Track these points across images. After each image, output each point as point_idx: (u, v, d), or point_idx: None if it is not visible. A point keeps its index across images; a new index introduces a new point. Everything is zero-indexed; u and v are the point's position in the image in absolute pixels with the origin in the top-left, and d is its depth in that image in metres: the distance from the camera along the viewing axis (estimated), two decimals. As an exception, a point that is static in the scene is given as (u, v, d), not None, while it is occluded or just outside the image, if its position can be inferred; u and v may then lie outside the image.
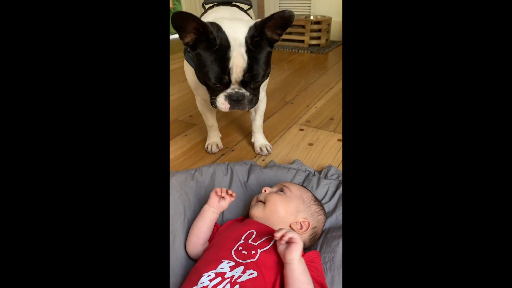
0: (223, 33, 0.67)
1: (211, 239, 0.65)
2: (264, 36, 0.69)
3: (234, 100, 0.73)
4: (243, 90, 0.73)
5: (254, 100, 0.76)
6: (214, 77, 0.69)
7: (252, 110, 1.05)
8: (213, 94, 0.74)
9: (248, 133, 1.19)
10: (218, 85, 0.71)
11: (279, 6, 2.94)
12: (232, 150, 1.12)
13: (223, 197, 0.67)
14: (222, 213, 0.77)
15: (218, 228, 0.68)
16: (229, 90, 0.72)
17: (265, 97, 1.02)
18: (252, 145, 1.12)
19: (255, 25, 0.67)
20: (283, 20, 0.66)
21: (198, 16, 0.69)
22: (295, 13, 0.69)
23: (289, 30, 2.73)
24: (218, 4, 0.90)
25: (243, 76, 0.70)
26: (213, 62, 0.68)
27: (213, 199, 0.67)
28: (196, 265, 0.56)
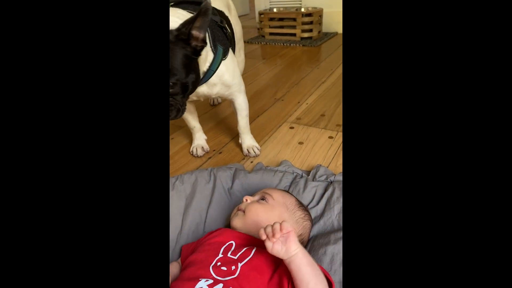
0: None
1: (190, 253, 0.61)
2: (189, 40, 0.65)
3: None
4: None
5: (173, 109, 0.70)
6: None
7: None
8: None
9: (236, 134, 1.15)
10: None
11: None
12: (220, 153, 1.08)
13: None
14: (204, 223, 0.73)
15: (194, 247, 0.62)
16: None
17: (245, 98, 0.96)
18: (240, 146, 1.08)
19: (185, 22, 0.63)
20: (202, 14, 0.62)
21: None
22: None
23: (280, 23, 2.63)
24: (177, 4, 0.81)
25: None
26: None
27: None
28: (172, 284, 0.52)
